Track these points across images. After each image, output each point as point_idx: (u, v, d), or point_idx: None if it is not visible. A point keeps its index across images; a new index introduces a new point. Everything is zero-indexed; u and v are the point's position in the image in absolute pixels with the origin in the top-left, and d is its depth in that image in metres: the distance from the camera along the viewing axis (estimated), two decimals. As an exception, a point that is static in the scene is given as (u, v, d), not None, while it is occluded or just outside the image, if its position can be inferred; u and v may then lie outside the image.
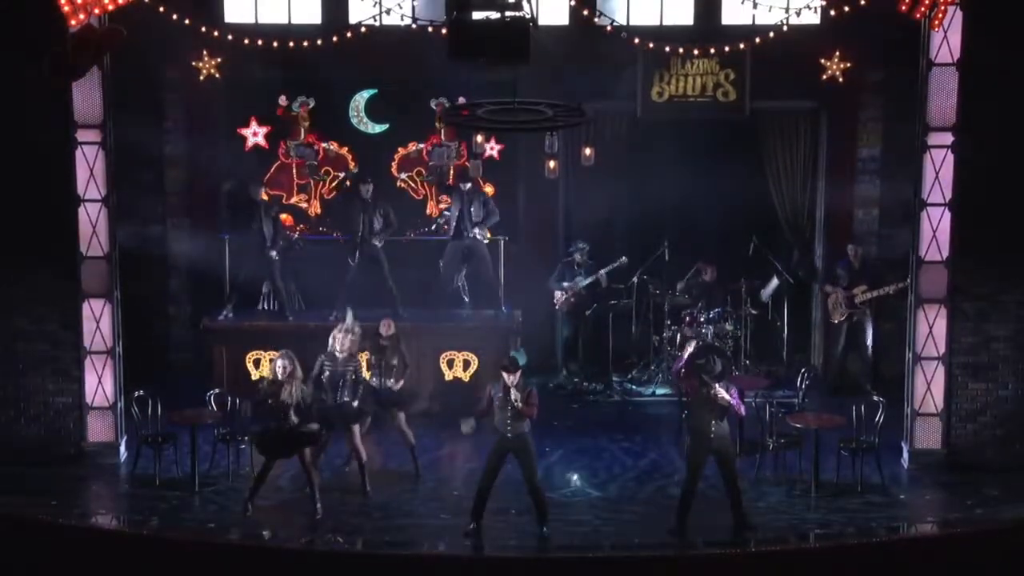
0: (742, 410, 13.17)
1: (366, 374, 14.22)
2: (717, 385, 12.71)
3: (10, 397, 14.51)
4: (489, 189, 17.45)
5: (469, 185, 16.68)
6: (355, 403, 13.74)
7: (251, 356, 16.21)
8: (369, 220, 16.39)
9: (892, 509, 13.58)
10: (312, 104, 17.57)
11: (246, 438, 14.15)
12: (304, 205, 17.83)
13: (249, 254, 16.45)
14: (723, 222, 17.91)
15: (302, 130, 17.64)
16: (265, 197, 16.98)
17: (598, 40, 15.24)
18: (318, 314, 16.47)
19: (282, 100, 17.41)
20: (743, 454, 14.70)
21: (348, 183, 17.56)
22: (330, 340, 13.81)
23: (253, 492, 13.24)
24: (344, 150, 17.77)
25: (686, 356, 13.23)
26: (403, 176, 17.81)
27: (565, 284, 17.25)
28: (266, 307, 16.97)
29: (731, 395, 12.78)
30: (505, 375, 12.81)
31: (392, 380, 14.31)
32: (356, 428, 13.75)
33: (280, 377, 13.10)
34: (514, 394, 12.70)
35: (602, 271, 17.20)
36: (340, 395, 13.69)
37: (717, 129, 17.26)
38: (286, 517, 13.31)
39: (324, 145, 17.74)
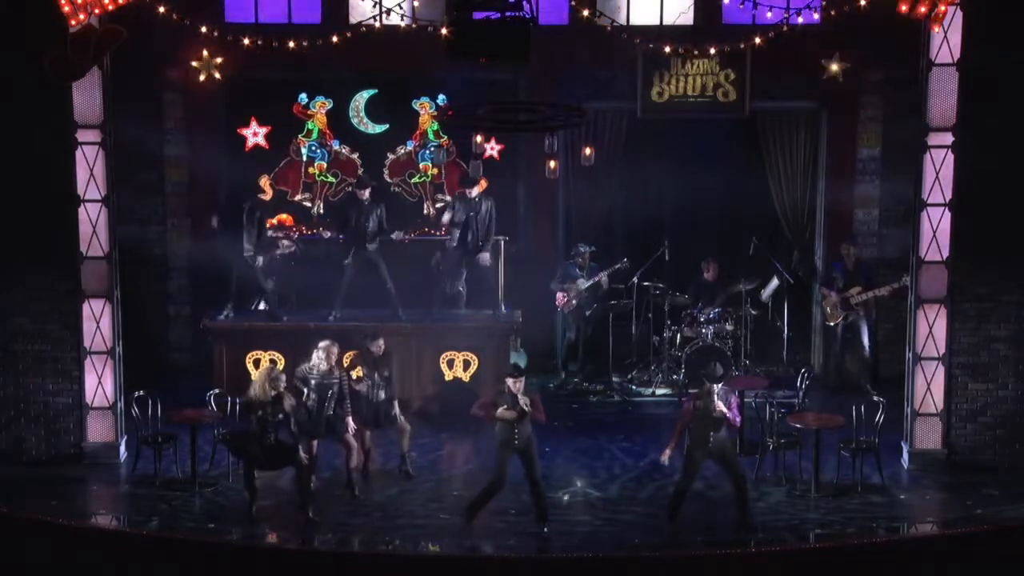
0: (737, 421, 13.15)
1: (361, 385, 14.13)
2: (716, 398, 12.73)
3: (10, 397, 14.52)
4: (482, 182, 17.46)
5: (476, 191, 16.47)
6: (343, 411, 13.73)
7: (251, 356, 16.19)
8: (364, 223, 16.21)
9: (892, 509, 13.59)
10: (331, 105, 17.60)
11: (223, 442, 14.14)
12: (308, 204, 17.85)
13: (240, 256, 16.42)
14: (723, 222, 17.94)
15: (316, 130, 17.71)
16: (267, 195, 17.00)
17: (598, 40, 15.23)
18: (318, 315, 16.47)
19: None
20: (743, 454, 14.71)
21: (349, 187, 17.59)
22: (314, 353, 13.70)
23: (252, 498, 13.24)
24: (356, 156, 17.79)
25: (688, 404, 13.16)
26: (395, 180, 17.84)
27: (567, 285, 17.25)
28: (256, 309, 16.89)
29: (730, 406, 12.82)
30: (510, 381, 12.82)
31: (383, 393, 14.14)
32: (348, 436, 13.73)
33: (281, 390, 13.13)
34: (523, 400, 12.73)
35: (603, 273, 17.19)
36: (328, 407, 13.66)
37: (717, 129, 17.26)
38: (286, 517, 13.30)
39: (337, 148, 17.77)
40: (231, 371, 16.05)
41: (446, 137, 17.67)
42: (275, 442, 13.14)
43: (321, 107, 17.72)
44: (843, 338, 16.93)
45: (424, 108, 17.67)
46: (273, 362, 14.09)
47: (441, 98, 17.34)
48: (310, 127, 17.78)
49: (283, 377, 13.31)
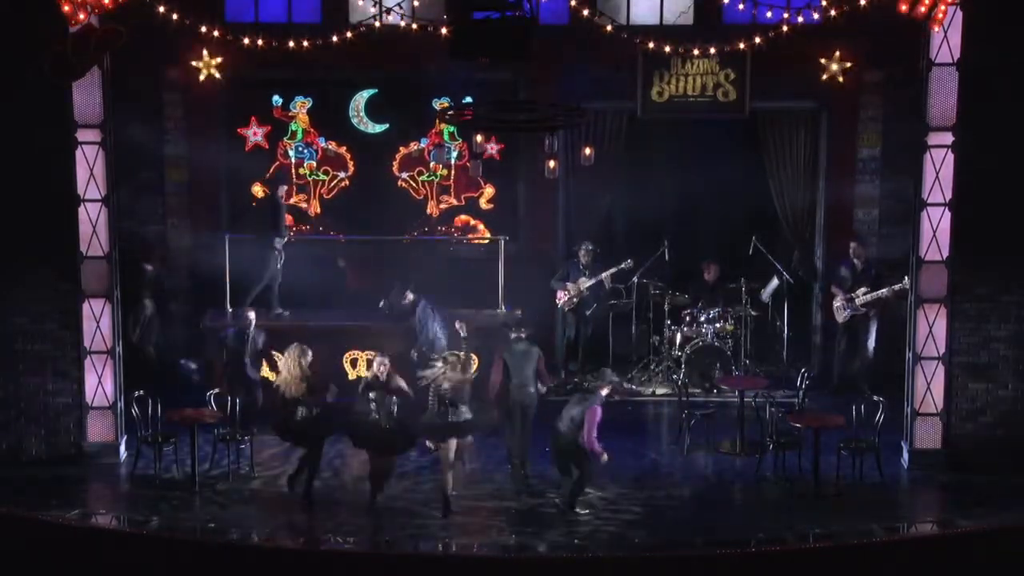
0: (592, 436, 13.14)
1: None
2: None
3: (10, 397, 14.51)
4: (490, 189, 17.53)
5: (409, 297, 15.73)
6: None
7: (251, 356, 16.20)
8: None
9: (892, 509, 13.59)
10: (310, 104, 17.62)
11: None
12: (304, 205, 17.85)
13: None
14: (723, 222, 17.94)
15: (300, 130, 17.71)
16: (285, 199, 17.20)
17: (598, 40, 15.24)
18: (317, 314, 16.48)
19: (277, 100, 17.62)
20: (743, 454, 14.73)
21: (345, 182, 17.59)
22: (436, 373, 13.40)
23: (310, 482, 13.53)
24: (343, 149, 17.80)
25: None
26: (404, 176, 17.84)
27: (568, 283, 17.24)
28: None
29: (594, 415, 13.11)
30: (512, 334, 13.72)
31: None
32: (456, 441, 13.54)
33: (307, 371, 13.50)
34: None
35: (606, 273, 17.17)
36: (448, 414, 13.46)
37: (717, 129, 17.26)
38: (285, 517, 13.31)
39: (323, 145, 17.78)
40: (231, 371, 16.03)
41: (461, 140, 17.66)
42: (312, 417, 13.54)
43: (302, 107, 17.71)
44: (848, 338, 16.92)
45: (443, 108, 17.66)
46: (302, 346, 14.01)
47: (467, 99, 17.35)
48: (293, 128, 17.78)
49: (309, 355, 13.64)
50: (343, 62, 15.74)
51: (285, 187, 17.14)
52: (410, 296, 15.59)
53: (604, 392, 13.36)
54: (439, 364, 13.47)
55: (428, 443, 13.74)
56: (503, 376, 14.04)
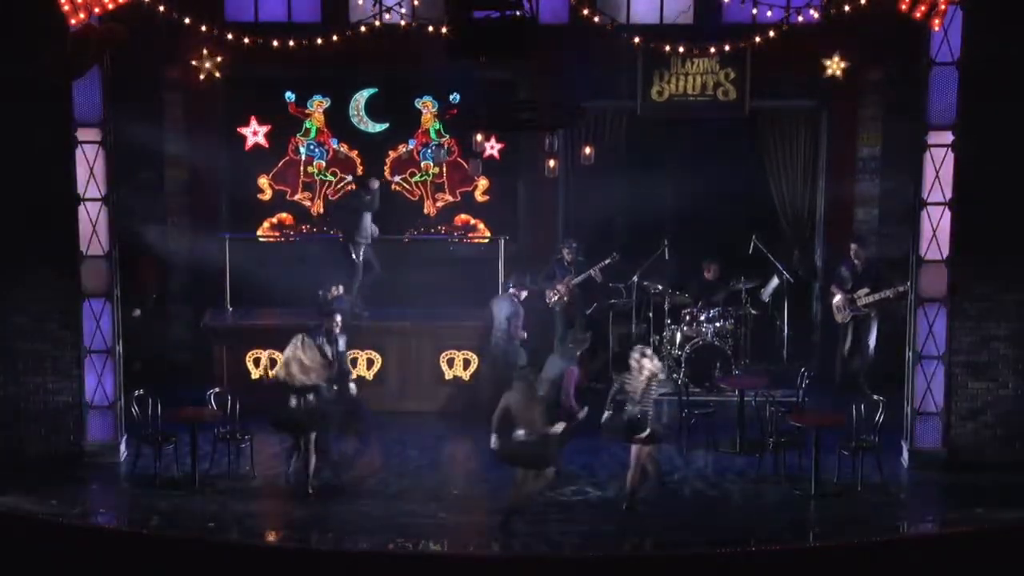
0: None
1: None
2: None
3: (10, 397, 14.51)
4: (484, 181, 17.52)
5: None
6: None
7: (251, 355, 16.21)
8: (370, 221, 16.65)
9: (892, 509, 13.60)
10: (328, 104, 17.62)
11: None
12: (307, 204, 17.86)
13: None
14: (723, 221, 17.93)
15: (314, 129, 17.73)
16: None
17: (598, 39, 15.24)
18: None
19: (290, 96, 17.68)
20: (743, 453, 14.72)
21: (354, 185, 17.55)
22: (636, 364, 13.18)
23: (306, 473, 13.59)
24: (354, 153, 17.80)
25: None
26: (396, 179, 17.84)
27: (555, 282, 17.20)
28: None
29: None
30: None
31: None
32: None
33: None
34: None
35: (592, 269, 17.14)
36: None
37: (717, 128, 17.26)
38: (286, 517, 13.31)
39: (335, 146, 17.78)
40: (231, 371, 16.06)
41: (448, 136, 17.67)
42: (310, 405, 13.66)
43: (319, 106, 17.73)
44: (849, 337, 16.90)
45: (427, 107, 17.67)
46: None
47: (454, 97, 17.36)
48: (308, 126, 17.80)
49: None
50: (343, 61, 15.74)
51: (377, 181, 16.95)
52: (340, 290, 15.59)
53: (579, 354, 13.82)
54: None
55: None
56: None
